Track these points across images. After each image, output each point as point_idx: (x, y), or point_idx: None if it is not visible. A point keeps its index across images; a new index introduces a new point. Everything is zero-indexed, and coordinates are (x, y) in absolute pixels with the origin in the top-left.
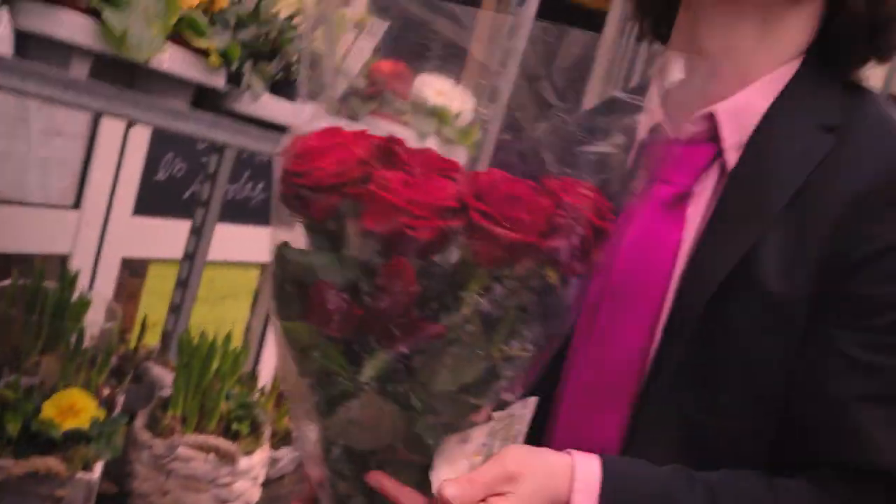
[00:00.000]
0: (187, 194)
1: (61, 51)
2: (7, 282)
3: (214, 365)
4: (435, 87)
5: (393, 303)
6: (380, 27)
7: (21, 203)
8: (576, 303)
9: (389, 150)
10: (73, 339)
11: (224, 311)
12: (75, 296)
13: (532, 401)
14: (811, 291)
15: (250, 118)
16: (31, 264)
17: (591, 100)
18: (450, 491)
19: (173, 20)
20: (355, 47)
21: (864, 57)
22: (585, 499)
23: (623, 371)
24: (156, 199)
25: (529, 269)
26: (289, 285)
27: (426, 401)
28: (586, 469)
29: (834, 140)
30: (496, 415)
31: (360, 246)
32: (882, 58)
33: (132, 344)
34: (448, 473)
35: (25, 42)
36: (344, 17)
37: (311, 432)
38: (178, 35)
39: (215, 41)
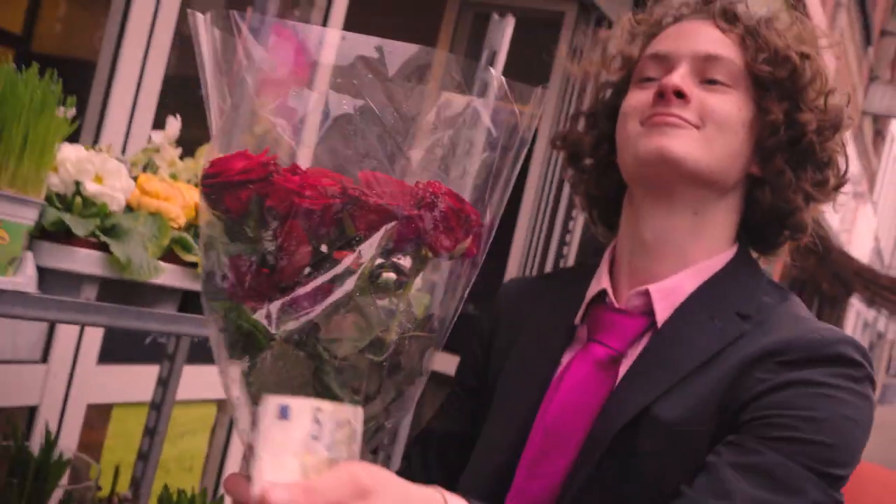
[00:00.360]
0: (148, 340)
1: (74, 279)
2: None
3: None
4: None
5: (290, 261)
6: None
7: None
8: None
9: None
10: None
11: (183, 447)
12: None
13: (360, 411)
14: (711, 427)
15: None
16: (3, 419)
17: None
18: (278, 496)
19: (165, 242)
20: None
21: (780, 237)
22: None
23: (545, 500)
24: (118, 347)
25: (404, 238)
26: (215, 271)
27: (329, 349)
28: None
29: (749, 326)
30: (326, 408)
31: (264, 223)
32: (794, 238)
33: (105, 491)
34: (273, 468)
35: (42, 275)
36: None
37: (241, 405)
38: (170, 251)
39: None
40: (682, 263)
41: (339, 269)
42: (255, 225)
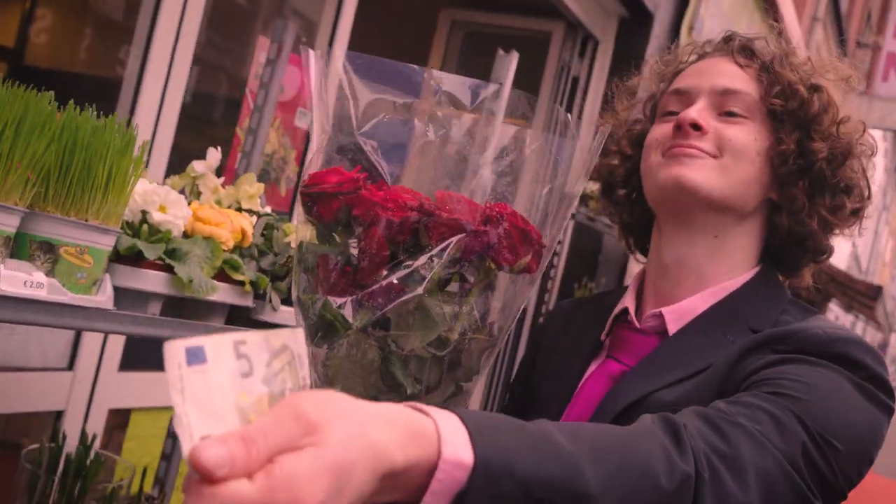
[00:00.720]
0: None
1: (142, 297)
2: (35, 446)
3: None
4: None
5: (370, 263)
6: None
7: (21, 369)
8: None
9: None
10: (99, 495)
11: None
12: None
13: (300, 332)
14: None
15: (270, 324)
16: (29, 422)
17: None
18: (209, 454)
19: (218, 263)
20: None
21: (802, 259)
22: (457, 450)
23: None
24: (137, 355)
25: (471, 250)
26: (305, 268)
27: (397, 342)
28: (447, 418)
29: (757, 338)
30: (250, 338)
31: (350, 230)
32: (816, 261)
33: (134, 489)
34: (204, 422)
35: (116, 293)
36: None
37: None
38: (221, 271)
39: (248, 274)
40: (701, 285)
41: (411, 273)
42: (343, 230)
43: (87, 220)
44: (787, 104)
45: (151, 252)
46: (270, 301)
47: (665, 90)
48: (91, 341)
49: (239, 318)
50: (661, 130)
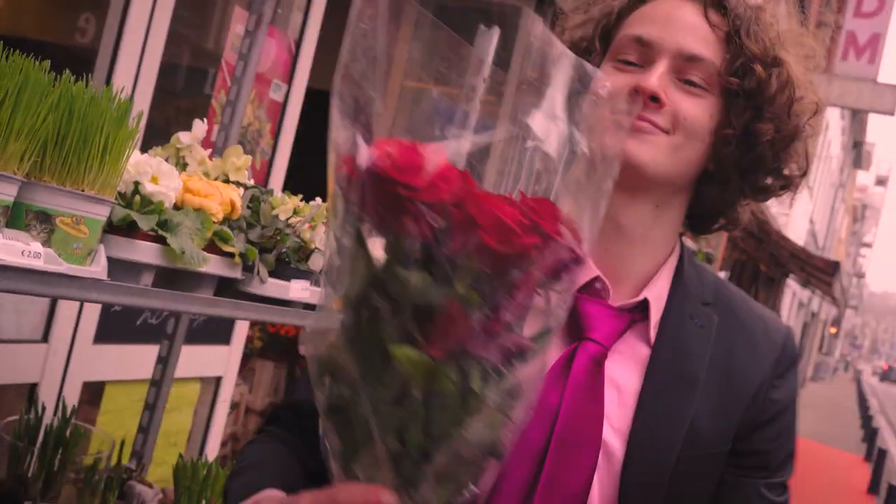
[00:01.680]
0: (139, 321)
1: (134, 268)
2: (14, 417)
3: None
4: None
5: (515, 313)
6: None
7: None
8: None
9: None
10: (78, 467)
11: (169, 423)
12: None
13: None
14: (731, 444)
15: (256, 296)
16: (2, 395)
17: None
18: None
19: (209, 234)
20: None
21: (715, 225)
22: None
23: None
24: (112, 328)
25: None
26: (401, 308)
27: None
28: None
29: (713, 312)
30: None
31: (469, 263)
32: (726, 229)
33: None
34: None
35: (110, 264)
36: (323, 210)
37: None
38: (211, 242)
39: (237, 246)
40: (647, 253)
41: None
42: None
43: (83, 191)
44: (743, 82)
45: (145, 223)
46: (258, 273)
47: (621, 16)
48: (66, 313)
49: (227, 289)
50: (615, 83)
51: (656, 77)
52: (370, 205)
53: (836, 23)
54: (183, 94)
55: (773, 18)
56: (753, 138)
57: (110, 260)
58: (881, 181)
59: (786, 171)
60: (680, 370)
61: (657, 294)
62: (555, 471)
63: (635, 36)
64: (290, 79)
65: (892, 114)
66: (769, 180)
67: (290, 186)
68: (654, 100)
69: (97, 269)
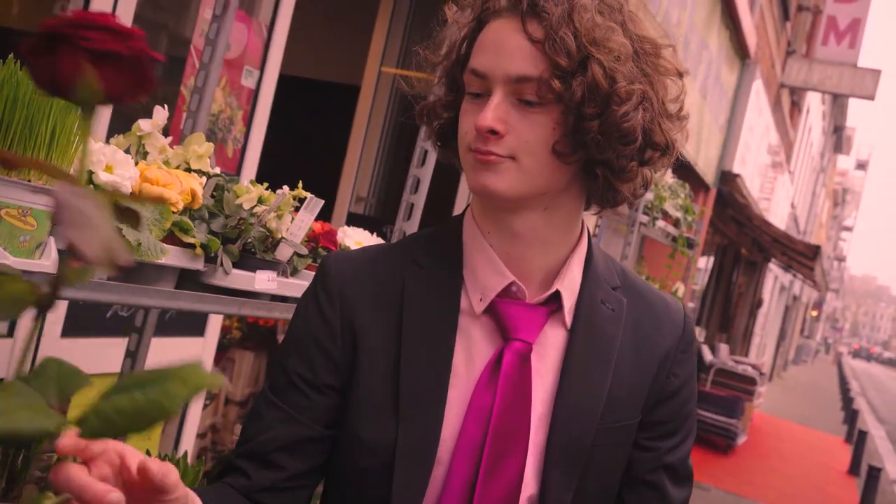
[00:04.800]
0: (109, 314)
1: None
2: None
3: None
4: (353, 237)
5: None
6: (317, 204)
7: None
8: None
9: None
10: (45, 465)
11: None
12: None
13: None
14: (640, 415)
15: (220, 288)
16: None
17: None
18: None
19: (168, 225)
20: (298, 220)
21: (616, 202)
22: None
23: (509, 500)
24: (80, 321)
25: None
26: None
27: None
28: None
29: (621, 296)
30: None
31: None
32: (629, 203)
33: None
34: None
35: (61, 256)
36: (289, 199)
37: None
38: (171, 233)
39: (198, 236)
40: (550, 249)
41: None
42: None
43: (29, 181)
44: (562, 87)
45: None
46: (222, 264)
47: (465, 51)
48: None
49: (188, 281)
50: (467, 122)
51: (491, 111)
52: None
53: (817, 8)
54: (159, 82)
55: (589, 12)
56: (582, 136)
57: (62, 253)
58: (861, 165)
59: (646, 149)
60: (595, 351)
61: (569, 283)
62: (492, 463)
63: (472, 69)
64: (262, 65)
65: (872, 98)
66: (628, 163)
67: (265, 174)
68: (494, 133)
69: (47, 262)
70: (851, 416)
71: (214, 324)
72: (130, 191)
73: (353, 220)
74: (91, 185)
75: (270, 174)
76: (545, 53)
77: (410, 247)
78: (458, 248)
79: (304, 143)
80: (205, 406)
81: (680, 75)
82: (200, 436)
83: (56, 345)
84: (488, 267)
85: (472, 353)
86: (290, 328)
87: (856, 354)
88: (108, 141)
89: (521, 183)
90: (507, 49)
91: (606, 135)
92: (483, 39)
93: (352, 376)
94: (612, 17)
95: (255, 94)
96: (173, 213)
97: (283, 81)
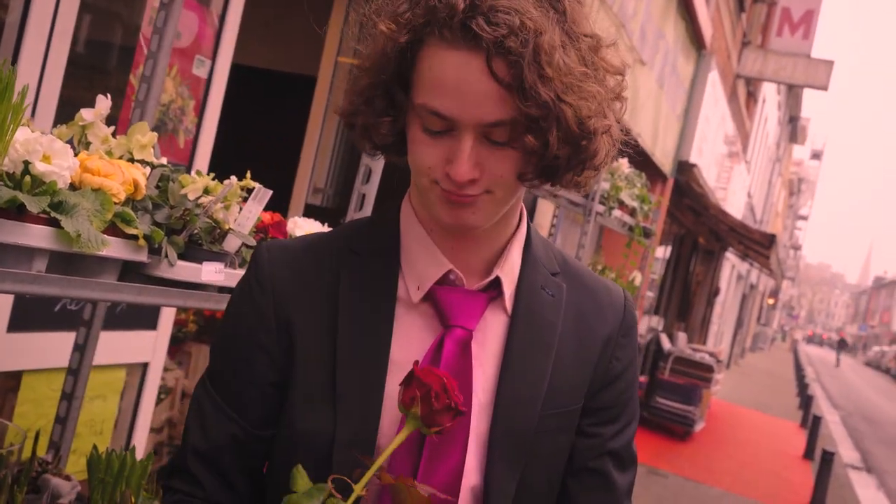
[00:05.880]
0: (57, 307)
1: (25, 253)
2: None
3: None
4: (304, 228)
5: None
6: (265, 194)
7: None
8: None
9: None
10: None
11: (94, 412)
12: None
13: None
14: (583, 400)
15: (165, 280)
16: None
17: None
18: None
19: (109, 216)
20: (246, 210)
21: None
22: None
23: (449, 492)
24: (27, 315)
25: None
26: None
27: None
28: None
29: (561, 281)
30: None
31: None
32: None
33: (24, 455)
34: None
35: None
36: (237, 189)
37: None
38: (112, 224)
39: (142, 227)
40: (494, 240)
41: None
42: None
43: None
44: (535, 131)
45: (34, 205)
46: (167, 256)
47: (401, 69)
48: None
49: (132, 273)
50: (429, 157)
51: (466, 162)
52: None
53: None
54: (107, 72)
55: (556, 49)
56: (550, 168)
57: None
58: (816, 155)
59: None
60: (536, 338)
61: (509, 269)
62: (432, 455)
63: (432, 109)
64: (214, 54)
65: (826, 89)
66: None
67: (219, 166)
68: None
69: None
70: (806, 401)
71: (167, 317)
72: (69, 181)
73: (311, 211)
74: (28, 176)
75: (225, 166)
76: (515, 99)
77: (347, 235)
78: (396, 237)
79: (260, 134)
80: (160, 400)
81: (623, 73)
82: (156, 430)
83: (2, 340)
84: (426, 255)
85: (410, 341)
86: (225, 321)
87: (809, 340)
88: (51, 132)
89: (494, 213)
90: (476, 93)
91: (574, 166)
92: (442, 78)
93: (290, 369)
94: (562, 27)
95: (207, 84)
96: (115, 203)
97: (239, 72)
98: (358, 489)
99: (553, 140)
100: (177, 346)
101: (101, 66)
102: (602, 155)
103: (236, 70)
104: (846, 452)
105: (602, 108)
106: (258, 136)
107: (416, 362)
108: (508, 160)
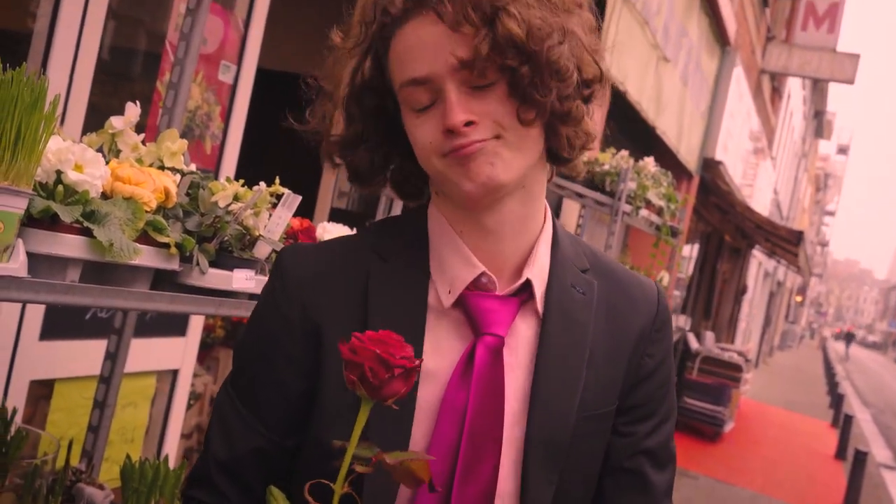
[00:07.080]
0: (88, 316)
1: (59, 263)
2: None
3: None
4: (333, 233)
5: None
6: (294, 200)
7: None
8: None
9: None
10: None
11: (125, 420)
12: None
13: None
14: (618, 400)
15: (196, 288)
16: None
17: None
18: None
19: (141, 225)
20: (276, 217)
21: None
22: None
23: (485, 498)
24: (59, 324)
25: None
26: None
27: None
28: None
29: (592, 278)
30: None
31: None
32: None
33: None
34: None
35: (30, 259)
36: (266, 195)
37: None
38: (144, 233)
39: (173, 236)
40: (521, 231)
41: None
42: None
43: None
44: (492, 51)
45: (67, 215)
46: (198, 264)
47: (370, 73)
48: (8, 310)
49: (164, 282)
50: (427, 132)
51: (456, 105)
52: None
53: None
54: (134, 79)
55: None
56: (525, 89)
57: (31, 256)
58: (842, 150)
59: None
60: (568, 341)
61: (539, 270)
62: (468, 464)
63: (408, 81)
64: (239, 59)
65: (851, 83)
66: (572, 103)
67: (246, 171)
68: (468, 124)
69: (15, 265)
70: (837, 400)
71: (196, 324)
72: (101, 190)
73: (336, 214)
74: (61, 186)
75: (251, 170)
76: (471, 33)
77: (372, 238)
78: (424, 240)
79: (284, 138)
80: (189, 406)
81: (582, 6)
82: (186, 436)
83: (35, 348)
84: (457, 258)
85: (441, 349)
86: (249, 329)
87: (837, 338)
88: (81, 140)
89: (512, 160)
90: (437, 43)
91: (540, 74)
92: (402, 49)
93: (317, 374)
94: None
95: (232, 89)
96: (146, 212)
97: (264, 76)
98: (338, 488)
99: (505, 48)
100: (205, 352)
101: (128, 74)
102: (571, 67)
103: (262, 74)
104: (879, 451)
105: (548, 15)
106: (281, 139)
107: (342, 340)
108: (497, 101)
